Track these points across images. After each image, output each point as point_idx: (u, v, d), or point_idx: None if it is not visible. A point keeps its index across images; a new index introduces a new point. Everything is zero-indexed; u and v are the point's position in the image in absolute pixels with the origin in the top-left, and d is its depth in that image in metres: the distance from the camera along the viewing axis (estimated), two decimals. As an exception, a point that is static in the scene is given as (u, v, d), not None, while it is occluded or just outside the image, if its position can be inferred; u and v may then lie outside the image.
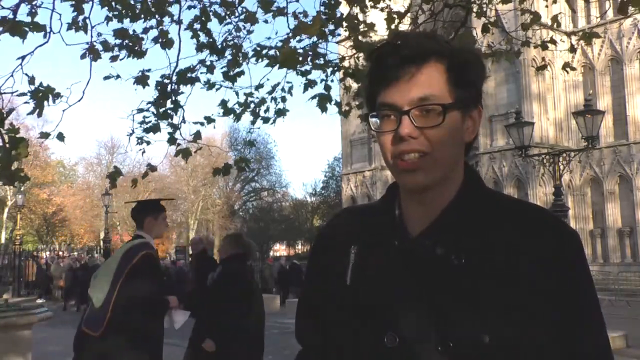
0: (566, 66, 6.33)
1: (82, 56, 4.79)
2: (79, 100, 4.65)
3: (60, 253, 41.01)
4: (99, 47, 4.89)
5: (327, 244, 1.23)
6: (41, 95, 4.37)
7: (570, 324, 1.04)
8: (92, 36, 4.80)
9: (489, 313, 1.00)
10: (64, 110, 4.59)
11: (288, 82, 5.83)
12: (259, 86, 5.71)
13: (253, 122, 5.84)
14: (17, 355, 5.92)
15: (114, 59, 5.01)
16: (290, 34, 4.91)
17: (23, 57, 4.30)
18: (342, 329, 1.12)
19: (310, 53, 5.16)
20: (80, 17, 4.74)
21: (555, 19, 5.52)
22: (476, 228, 1.06)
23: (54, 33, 4.46)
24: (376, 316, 1.07)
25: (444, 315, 1.02)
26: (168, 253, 48.88)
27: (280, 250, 58.45)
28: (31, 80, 4.35)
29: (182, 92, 5.36)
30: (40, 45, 4.44)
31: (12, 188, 38.87)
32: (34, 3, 4.33)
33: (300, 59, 4.99)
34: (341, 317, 1.12)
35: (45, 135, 4.72)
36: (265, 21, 5.30)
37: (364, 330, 1.08)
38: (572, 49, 5.49)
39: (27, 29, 4.11)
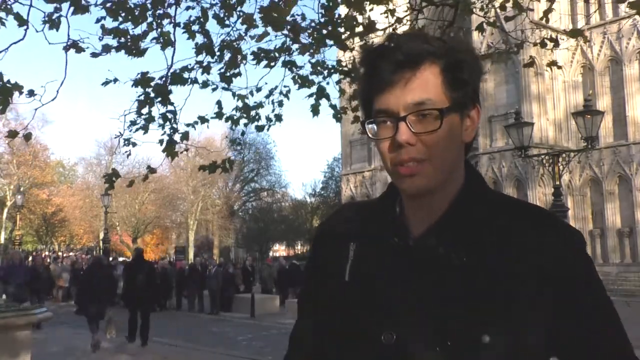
0: (553, 64, 6.32)
1: (64, 48, 4.67)
2: (53, 100, 4.57)
3: (60, 254, 40.98)
4: (85, 45, 4.73)
5: (327, 240, 1.22)
6: (5, 93, 4.28)
7: (580, 322, 1.03)
8: (69, 34, 4.67)
9: (490, 313, 1.00)
10: (35, 109, 4.59)
11: (285, 86, 5.73)
12: (258, 89, 5.63)
13: (246, 125, 5.78)
14: (17, 356, 5.92)
15: (94, 55, 4.83)
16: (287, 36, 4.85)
17: None
18: (340, 326, 1.11)
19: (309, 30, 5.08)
20: (56, 15, 4.60)
21: (546, 14, 5.49)
22: (478, 228, 1.06)
23: (37, 31, 4.40)
24: (374, 314, 1.06)
25: (443, 315, 1.01)
26: (168, 253, 48.88)
27: (280, 250, 58.44)
28: None
29: (170, 92, 5.20)
30: (16, 42, 4.36)
31: (12, 188, 38.89)
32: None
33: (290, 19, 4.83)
34: (339, 313, 1.11)
35: (13, 135, 4.76)
36: (267, 33, 5.15)
37: (361, 328, 1.07)
38: (557, 44, 5.56)
39: None
